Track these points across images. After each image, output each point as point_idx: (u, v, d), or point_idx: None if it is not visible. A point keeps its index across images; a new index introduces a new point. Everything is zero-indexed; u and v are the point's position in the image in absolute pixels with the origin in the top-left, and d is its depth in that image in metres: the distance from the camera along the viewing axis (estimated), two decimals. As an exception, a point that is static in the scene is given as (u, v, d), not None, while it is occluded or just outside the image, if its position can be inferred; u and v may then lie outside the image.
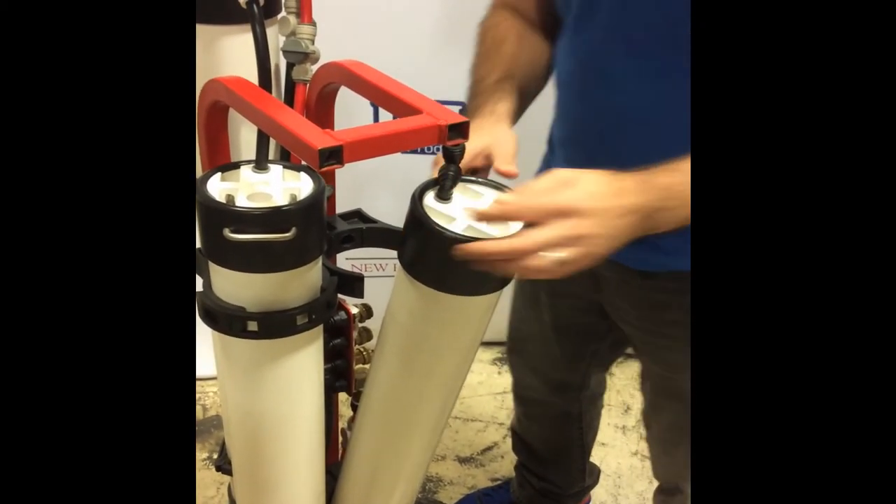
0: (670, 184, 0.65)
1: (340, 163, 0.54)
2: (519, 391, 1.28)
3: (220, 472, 1.03)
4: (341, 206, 0.86)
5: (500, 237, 0.62)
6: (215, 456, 1.52)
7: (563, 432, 1.30)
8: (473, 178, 0.69)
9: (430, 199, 0.67)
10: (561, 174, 0.64)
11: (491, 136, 0.75)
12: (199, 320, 0.76)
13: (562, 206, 0.60)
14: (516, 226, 0.65)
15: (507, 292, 0.70)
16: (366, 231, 0.81)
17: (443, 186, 0.67)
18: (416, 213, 0.64)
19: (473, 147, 0.71)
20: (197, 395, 1.70)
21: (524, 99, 0.87)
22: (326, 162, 0.54)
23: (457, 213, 0.66)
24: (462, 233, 0.63)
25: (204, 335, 1.10)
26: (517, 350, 1.23)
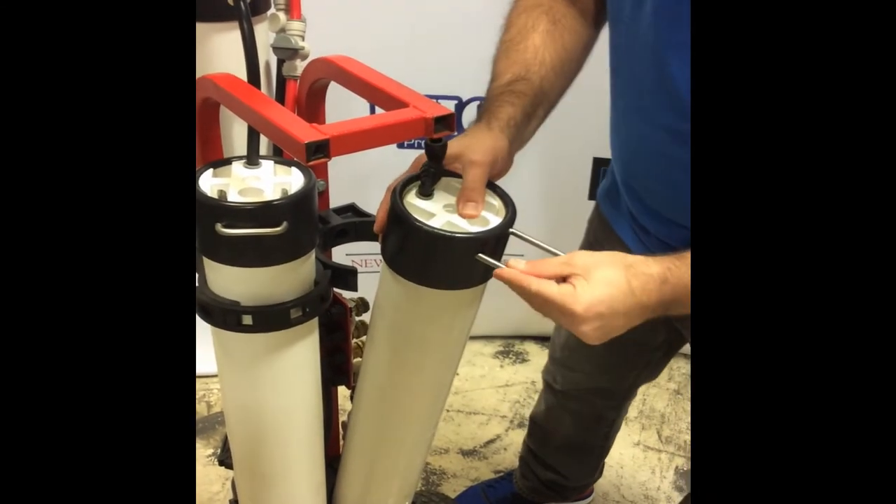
0: (679, 279, 0.63)
1: (327, 156, 0.55)
2: (559, 386, 1.24)
3: (222, 467, 1.05)
4: (340, 202, 0.87)
5: (474, 231, 0.63)
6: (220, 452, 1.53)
7: (592, 432, 1.29)
8: (455, 174, 0.70)
9: (411, 195, 0.68)
10: (577, 265, 0.62)
11: (469, 147, 0.69)
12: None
13: (561, 306, 0.61)
14: (496, 220, 0.66)
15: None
16: (359, 225, 0.82)
17: (424, 183, 0.68)
18: (396, 209, 0.64)
19: (451, 150, 0.68)
20: (202, 393, 1.71)
21: (543, 100, 0.81)
22: (314, 156, 0.54)
23: (436, 209, 0.67)
24: (441, 228, 0.63)
25: (207, 336, 1.10)
26: (563, 357, 1.21)
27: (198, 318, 0.88)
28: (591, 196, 1.65)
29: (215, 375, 1.73)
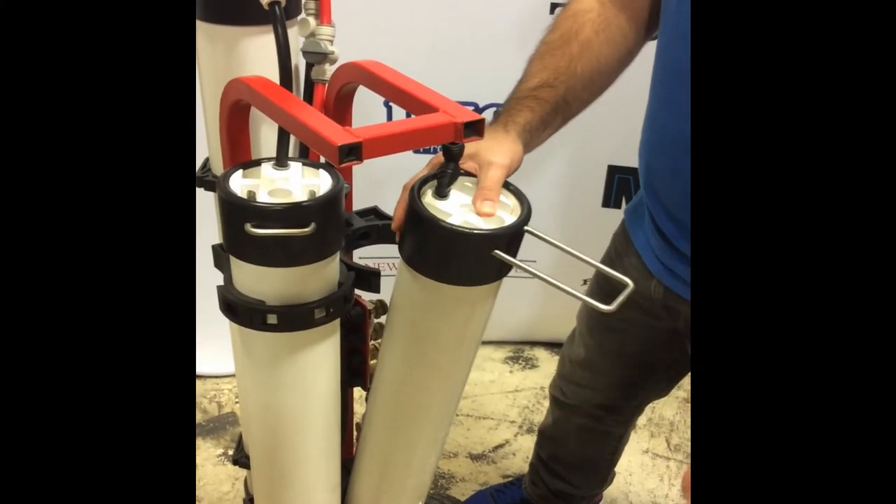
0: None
1: (359, 159, 0.56)
2: (567, 400, 1.25)
3: (236, 466, 1.05)
4: (356, 205, 0.88)
5: (491, 228, 0.65)
6: (230, 452, 1.53)
7: (599, 446, 1.30)
8: (469, 174, 0.71)
9: (427, 195, 0.69)
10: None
11: (487, 148, 0.71)
12: (216, 322, 0.77)
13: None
14: (510, 218, 0.67)
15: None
16: (381, 227, 0.82)
17: (440, 184, 0.69)
18: (416, 207, 0.65)
19: (467, 150, 0.69)
20: (213, 392, 1.72)
21: (563, 109, 0.82)
22: (346, 158, 0.55)
23: (453, 208, 0.68)
24: (459, 225, 0.64)
25: (218, 336, 1.10)
26: (572, 371, 1.22)
27: (209, 321, 0.89)
28: (605, 204, 1.66)
29: (226, 375, 1.75)
